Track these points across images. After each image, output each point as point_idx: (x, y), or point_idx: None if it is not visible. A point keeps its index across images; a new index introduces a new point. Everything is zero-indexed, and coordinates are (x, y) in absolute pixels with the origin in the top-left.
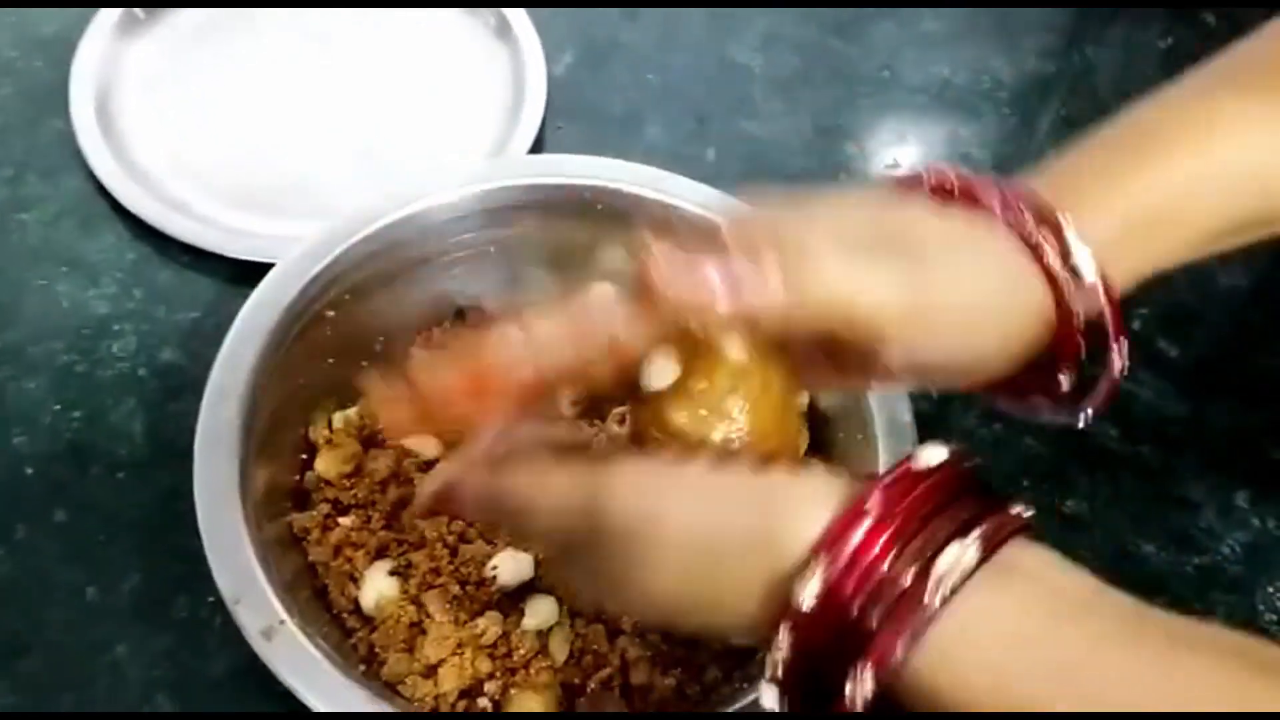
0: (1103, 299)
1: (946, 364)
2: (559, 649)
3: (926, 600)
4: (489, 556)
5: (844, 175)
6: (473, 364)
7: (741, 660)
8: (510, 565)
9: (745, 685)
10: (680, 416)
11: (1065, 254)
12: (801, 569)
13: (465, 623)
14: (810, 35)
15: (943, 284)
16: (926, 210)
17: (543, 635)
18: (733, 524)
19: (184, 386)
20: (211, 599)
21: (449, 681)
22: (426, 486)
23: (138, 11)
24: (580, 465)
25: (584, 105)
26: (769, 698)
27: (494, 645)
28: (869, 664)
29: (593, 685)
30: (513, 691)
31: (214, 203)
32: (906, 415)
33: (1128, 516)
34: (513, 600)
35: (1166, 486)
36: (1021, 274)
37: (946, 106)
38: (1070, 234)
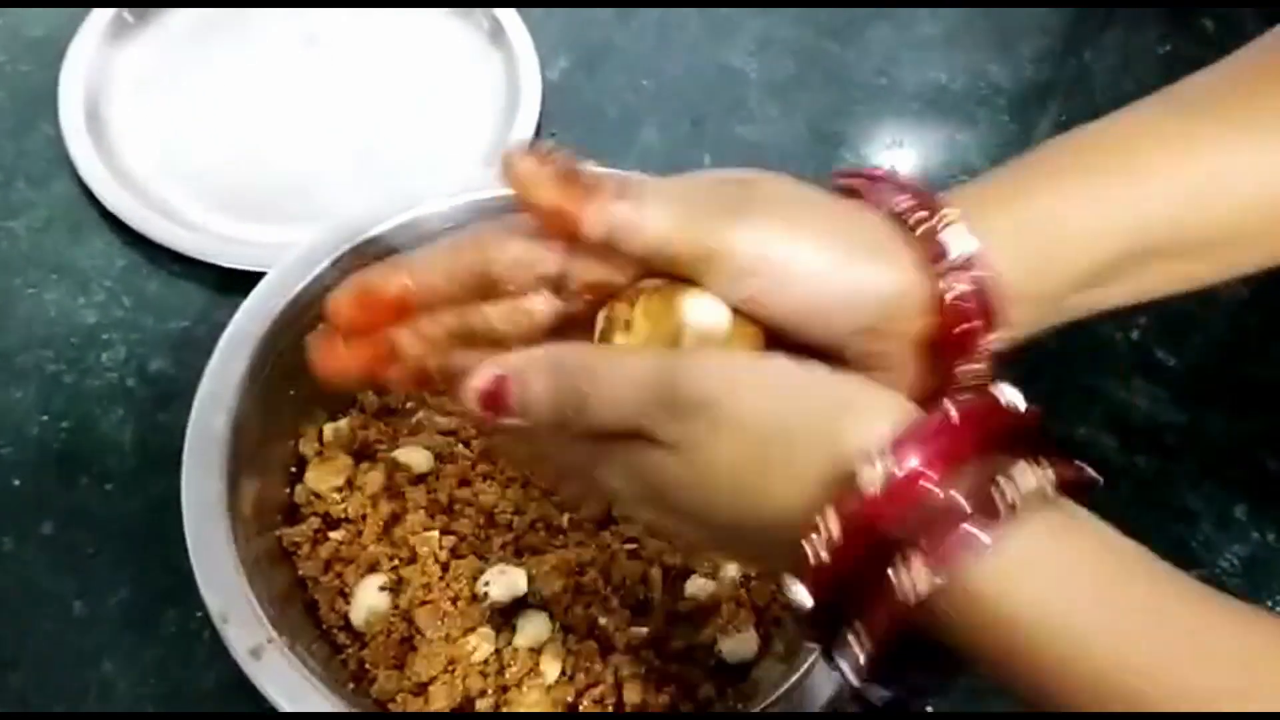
0: (971, 278)
1: (790, 315)
2: (551, 667)
3: (998, 511)
4: (481, 572)
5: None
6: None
7: (735, 678)
8: (502, 581)
9: (739, 704)
10: None
11: (933, 231)
12: (869, 458)
13: (456, 640)
14: (806, 38)
15: (777, 231)
16: (793, 183)
17: (535, 653)
18: (806, 409)
19: (173, 396)
20: (200, 613)
21: (440, 700)
22: (476, 380)
23: (127, 14)
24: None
25: (579, 109)
26: (798, 591)
27: (485, 663)
28: (926, 559)
29: (585, 703)
30: (504, 710)
31: (205, 209)
32: None
33: (1125, 527)
34: (505, 617)
35: (1164, 497)
36: (874, 238)
37: (943, 112)
38: (945, 212)
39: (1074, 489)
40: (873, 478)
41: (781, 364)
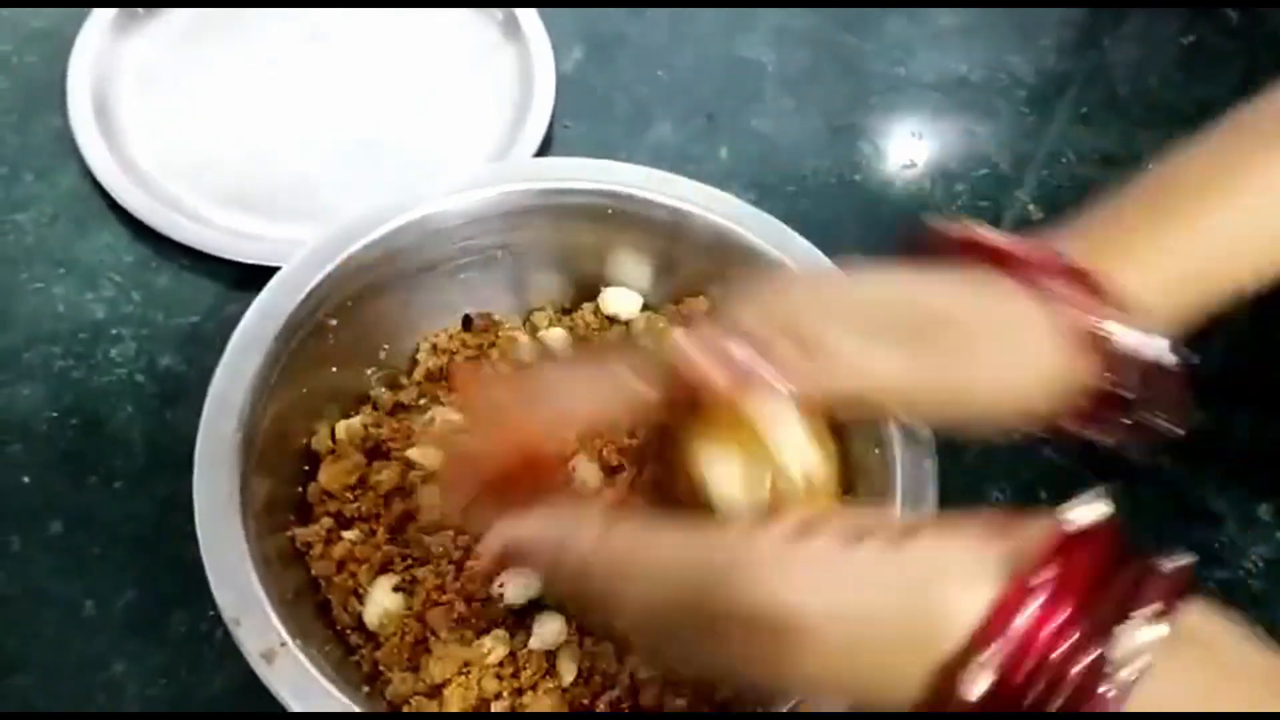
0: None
1: (969, 429)
2: (567, 669)
3: (1108, 688)
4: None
5: (858, 175)
6: (516, 434)
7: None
8: (517, 582)
9: (759, 707)
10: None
11: (1099, 314)
12: (966, 658)
13: (471, 641)
14: (822, 30)
15: (963, 370)
16: (953, 287)
17: (550, 655)
18: (883, 613)
19: (183, 393)
20: (211, 613)
21: (454, 702)
22: (492, 543)
23: (136, 8)
24: (693, 528)
25: (592, 103)
26: None
27: (500, 665)
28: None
29: (601, 705)
30: (520, 713)
31: (214, 204)
32: (925, 430)
33: (1148, 529)
34: (519, 619)
35: (1188, 499)
36: (1048, 351)
37: (962, 104)
38: (1107, 295)
39: (1185, 592)
40: (978, 687)
41: (834, 551)
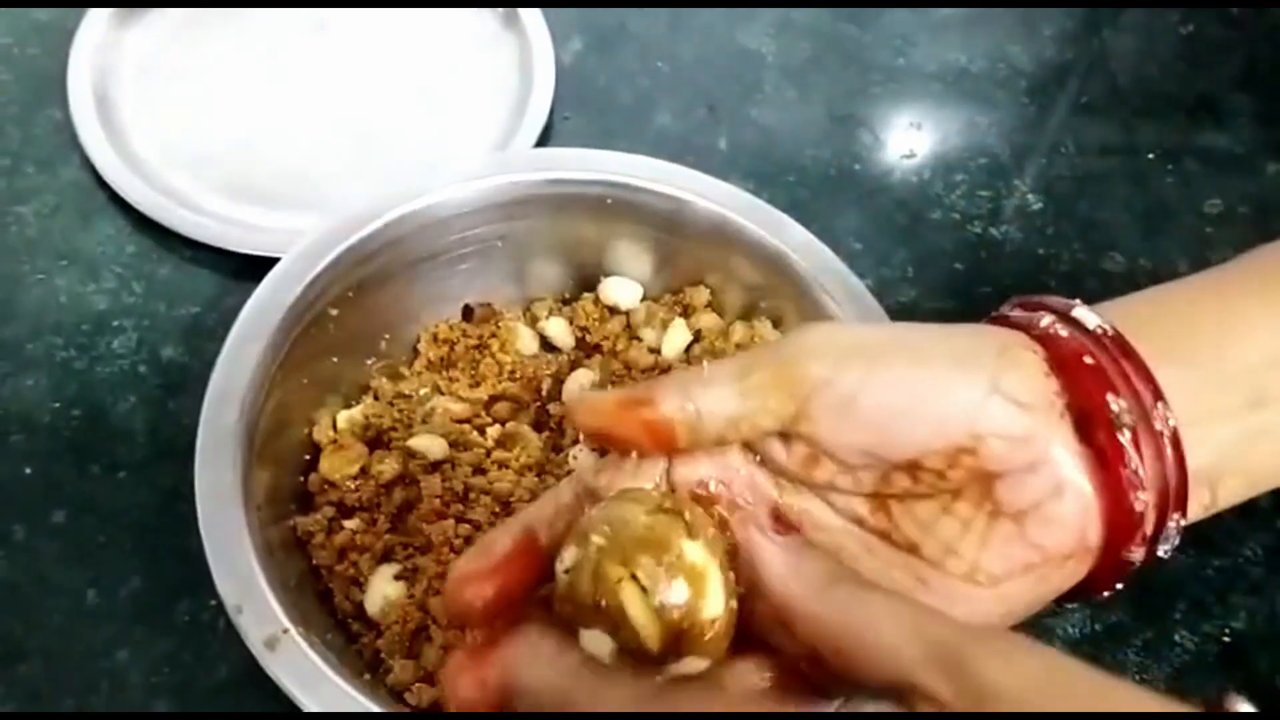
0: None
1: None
2: None
3: None
4: None
5: (858, 165)
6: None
7: None
8: None
9: None
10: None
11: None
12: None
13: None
14: (823, 21)
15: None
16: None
17: None
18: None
19: (185, 383)
20: (214, 602)
21: None
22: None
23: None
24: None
25: (593, 94)
26: None
27: None
28: None
29: None
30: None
31: (215, 195)
32: None
33: None
34: None
35: None
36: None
37: (963, 94)
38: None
39: None
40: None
41: None
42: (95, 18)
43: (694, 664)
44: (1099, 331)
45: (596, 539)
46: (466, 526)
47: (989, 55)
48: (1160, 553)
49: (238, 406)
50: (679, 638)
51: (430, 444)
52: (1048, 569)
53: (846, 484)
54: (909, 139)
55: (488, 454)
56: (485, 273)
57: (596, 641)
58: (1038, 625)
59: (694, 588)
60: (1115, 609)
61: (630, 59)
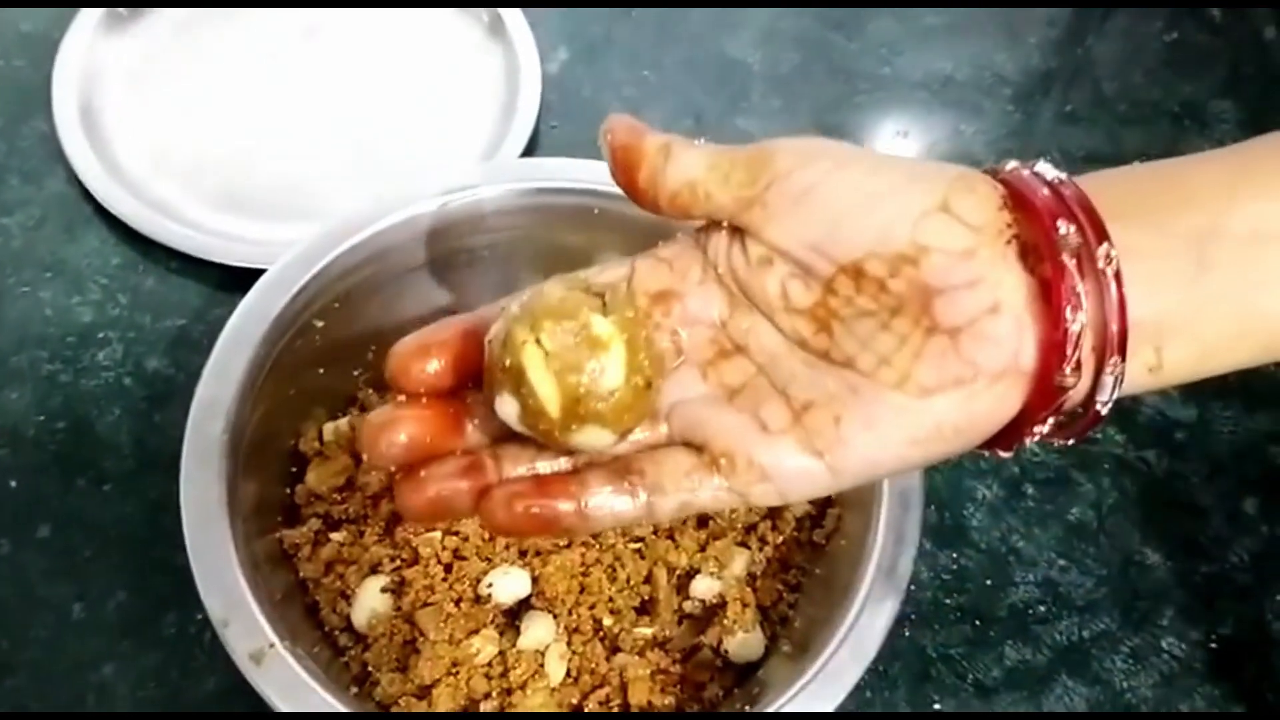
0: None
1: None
2: (556, 668)
3: None
4: (484, 574)
5: None
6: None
7: (741, 678)
8: (506, 582)
9: (746, 705)
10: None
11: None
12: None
13: (460, 642)
14: (809, 30)
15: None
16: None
17: (540, 655)
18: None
19: (171, 396)
20: (200, 615)
21: (444, 703)
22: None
23: (121, 10)
24: None
25: (579, 103)
26: None
27: (489, 665)
28: None
29: (591, 705)
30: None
31: (201, 206)
32: None
33: (1134, 524)
34: (509, 618)
35: (1174, 493)
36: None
37: (949, 102)
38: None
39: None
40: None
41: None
42: (80, 29)
43: (594, 433)
44: (1056, 181)
45: (514, 308)
46: (455, 539)
47: (974, 63)
48: (1099, 405)
49: (224, 418)
50: (577, 403)
51: None
52: (978, 386)
53: (796, 291)
54: (895, 147)
55: None
56: (472, 282)
57: (506, 405)
58: (1026, 631)
59: (594, 355)
60: (1103, 616)
61: (616, 68)
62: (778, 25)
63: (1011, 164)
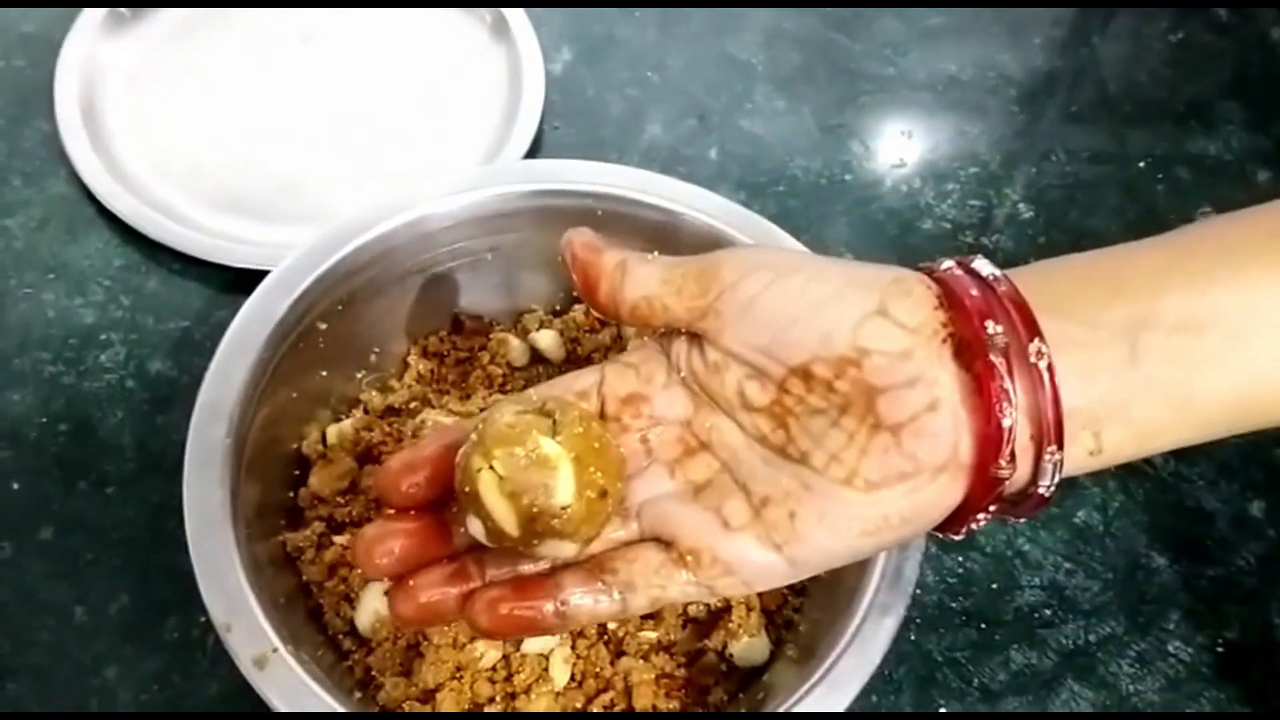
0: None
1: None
2: (560, 672)
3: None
4: None
5: (848, 175)
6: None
7: (746, 682)
8: None
9: (752, 709)
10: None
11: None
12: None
13: (464, 645)
14: (813, 31)
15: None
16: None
17: (544, 658)
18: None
19: (174, 398)
20: (203, 619)
21: (448, 707)
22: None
23: (123, 9)
24: None
25: (582, 104)
26: None
27: (493, 669)
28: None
29: (595, 708)
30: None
31: (203, 208)
32: None
33: (1140, 528)
34: None
35: (1180, 497)
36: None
37: (953, 103)
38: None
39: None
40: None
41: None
42: (82, 29)
43: (556, 545)
44: (990, 279)
45: (473, 436)
46: None
47: (979, 64)
48: (1041, 489)
49: (226, 421)
50: (533, 521)
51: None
52: (921, 479)
53: (752, 391)
54: (899, 148)
55: None
56: (475, 285)
57: (474, 525)
58: (1031, 635)
59: (544, 476)
60: (1109, 619)
61: (620, 69)
62: (781, 26)
63: (947, 263)
